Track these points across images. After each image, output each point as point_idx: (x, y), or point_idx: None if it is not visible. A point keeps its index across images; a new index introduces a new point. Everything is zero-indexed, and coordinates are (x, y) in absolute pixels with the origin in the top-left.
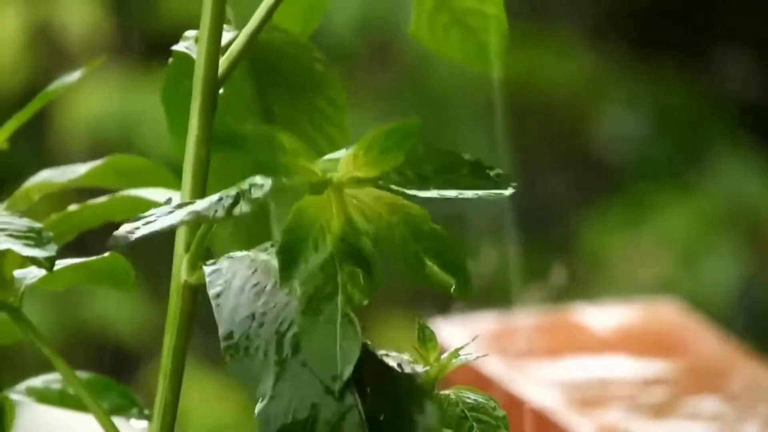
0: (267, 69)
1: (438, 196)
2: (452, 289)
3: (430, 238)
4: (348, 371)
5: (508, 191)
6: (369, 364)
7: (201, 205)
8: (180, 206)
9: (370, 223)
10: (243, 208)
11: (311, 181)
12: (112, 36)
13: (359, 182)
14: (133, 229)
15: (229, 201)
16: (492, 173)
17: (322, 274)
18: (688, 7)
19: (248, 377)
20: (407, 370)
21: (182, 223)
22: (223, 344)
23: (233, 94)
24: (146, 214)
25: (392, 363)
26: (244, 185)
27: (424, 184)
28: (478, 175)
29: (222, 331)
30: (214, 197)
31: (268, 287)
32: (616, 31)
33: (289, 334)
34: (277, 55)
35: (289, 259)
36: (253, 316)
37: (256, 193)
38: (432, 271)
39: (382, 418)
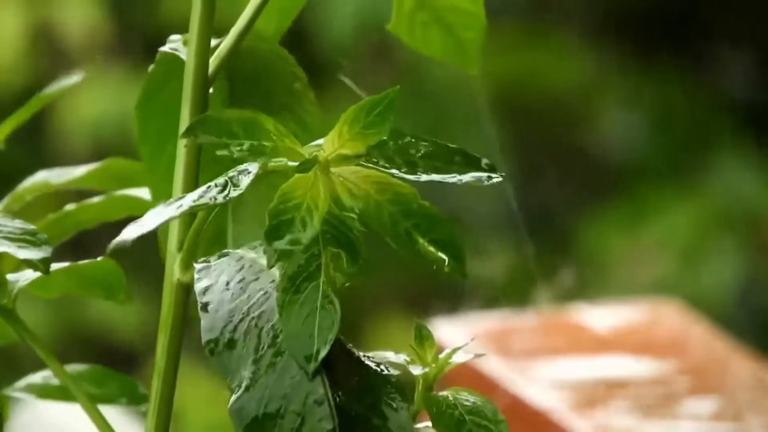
0: (243, 79)
1: (425, 179)
2: (446, 266)
3: (420, 215)
4: (324, 351)
5: (495, 179)
6: (344, 361)
7: (191, 196)
8: (170, 202)
9: (358, 201)
10: (232, 193)
11: (297, 161)
12: (112, 36)
13: (345, 159)
14: (129, 232)
15: (218, 189)
16: (481, 162)
17: (305, 255)
18: (688, 7)
19: (228, 371)
20: (389, 370)
21: (175, 217)
22: (204, 338)
23: (211, 109)
24: (141, 217)
25: (370, 362)
26: (232, 172)
27: (412, 168)
28: (465, 163)
29: (204, 325)
30: (203, 188)
31: (253, 281)
32: (616, 31)
33: (268, 326)
34: (256, 64)
35: (275, 239)
36: (235, 310)
37: (244, 179)
38: (424, 249)
39: (353, 413)
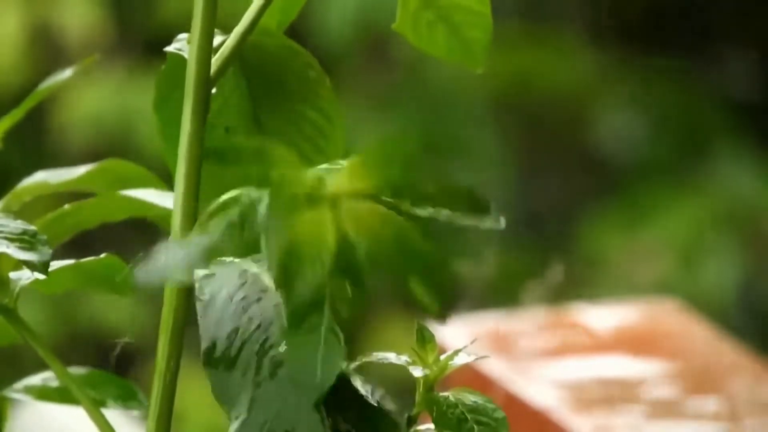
0: (259, 74)
1: (432, 216)
2: (431, 312)
3: (418, 257)
4: (328, 383)
5: (497, 226)
6: (343, 391)
7: (211, 237)
8: (190, 241)
9: (364, 234)
10: (249, 230)
11: (307, 194)
12: (111, 36)
13: (356, 196)
14: (153, 275)
15: (236, 225)
16: (488, 206)
17: (310, 286)
18: (688, 7)
19: (225, 393)
20: (387, 403)
21: (198, 261)
22: (204, 355)
23: (225, 100)
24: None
25: (367, 393)
26: (245, 202)
27: (421, 203)
28: (473, 205)
29: (205, 341)
30: (222, 226)
31: (256, 302)
32: (616, 31)
33: (270, 354)
34: (269, 59)
35: (287, 278)
36: (237, 331)
37: (261, 211)
38: (414, 290)
39: None
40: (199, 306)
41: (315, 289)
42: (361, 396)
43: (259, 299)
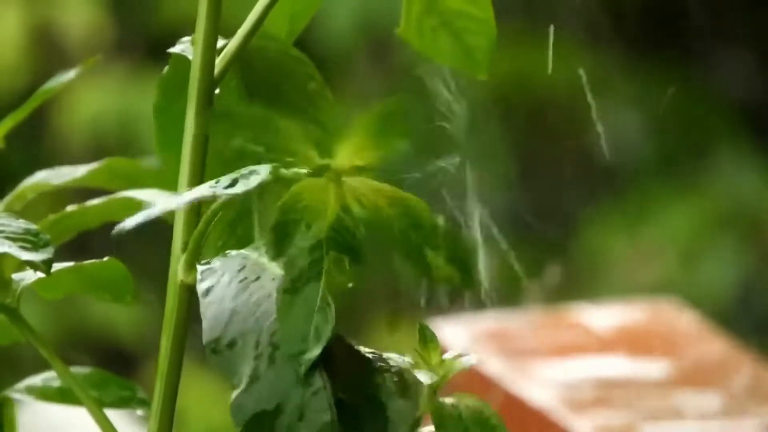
0: (259, 82)
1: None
2: (455, 281)
3: (431, 230)
4: (316, 351)
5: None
6: (340, 351)
7: (198, 190)
8: (176, 194)
9: (367, 212)
10: (238, 189)
11: (309, 168)
12: (112, 36)
13: (358, 170)
14: (131, 221)
15: (224, 185)
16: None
17: (308, 257)
18: (688, 7)
19: (229, 369)
20: (388, 361)
21: (182, 206)
22: (205, 338)
23: (225, 106)
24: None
25: (369, 355)
26: (243, 171)
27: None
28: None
29: (205, 325)
30: (211, 182)
31: (254, 280)
32: (615, 31)
33: (268, 323)
34: (270, 67)
35: (280, 237)
36: (235, 309)
37: (254, 179)
38: (434, 263)
39: (352, 404)
40: (201, 296)
41: (312, 262)
42: (362, 355)
43: (257, 278)
